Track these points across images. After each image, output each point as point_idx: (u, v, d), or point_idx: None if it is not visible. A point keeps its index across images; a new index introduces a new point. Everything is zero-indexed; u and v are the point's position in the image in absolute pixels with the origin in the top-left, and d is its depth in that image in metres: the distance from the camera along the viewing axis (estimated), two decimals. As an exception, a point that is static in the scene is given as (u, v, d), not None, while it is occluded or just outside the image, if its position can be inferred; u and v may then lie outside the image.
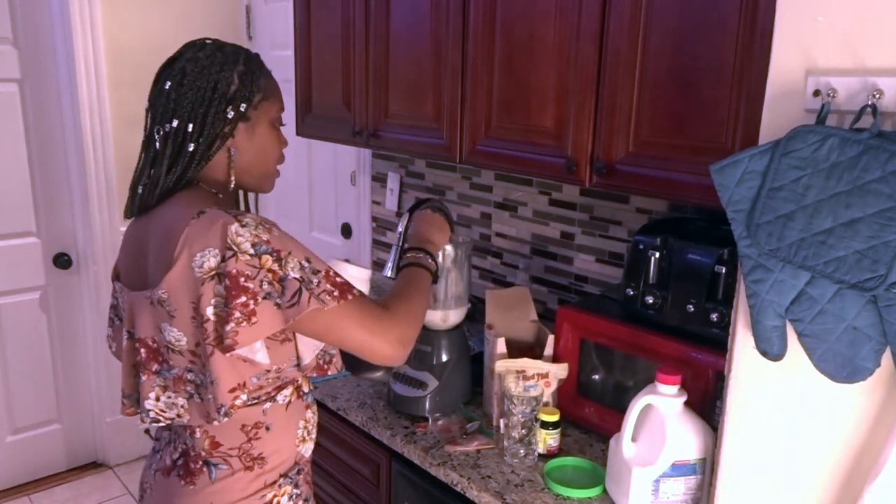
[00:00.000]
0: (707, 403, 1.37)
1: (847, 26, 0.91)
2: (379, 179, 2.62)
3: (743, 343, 1.05)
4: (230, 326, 1.07)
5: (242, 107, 1.18)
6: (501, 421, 1.54)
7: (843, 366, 0.93)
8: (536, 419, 1.51)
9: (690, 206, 1.67)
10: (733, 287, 1.18)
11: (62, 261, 2.91)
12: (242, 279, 1.06)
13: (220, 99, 1.17)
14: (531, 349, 1.70)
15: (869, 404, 0.96)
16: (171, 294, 1.12)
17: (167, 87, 1.17)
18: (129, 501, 2.92)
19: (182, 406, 1.18)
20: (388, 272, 1.99)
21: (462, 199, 2.31)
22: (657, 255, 1.48)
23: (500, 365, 1.58)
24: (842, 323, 0.92)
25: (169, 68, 1.19)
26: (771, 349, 0.98)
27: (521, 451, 1.50)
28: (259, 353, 1.13)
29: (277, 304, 1.08)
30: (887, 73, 0.88)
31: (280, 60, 2.84)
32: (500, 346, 1.62)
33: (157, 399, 1.20)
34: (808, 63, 0.95)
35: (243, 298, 1.06)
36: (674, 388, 1.28)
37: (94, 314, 2.99)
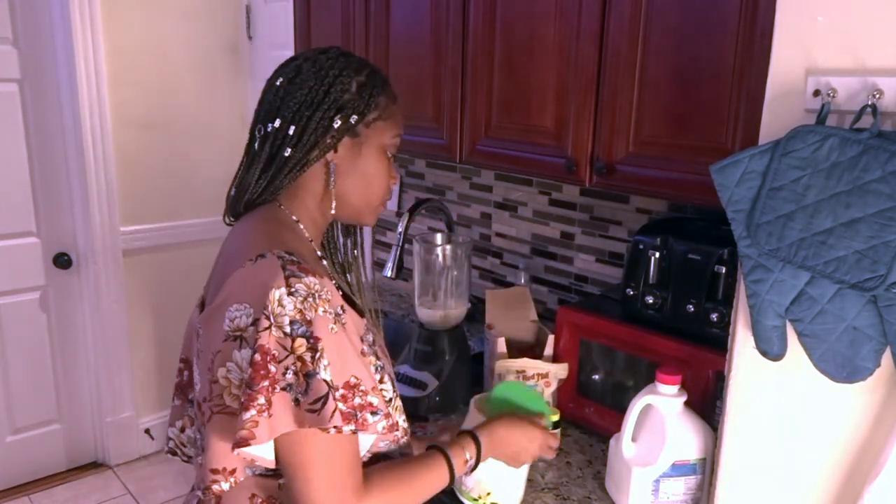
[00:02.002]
0: (707, 403, 1.37)
1: (847, 26, 0.91)
2: (379, 179, 2.62)
3: (743, 343, 1.05)
4: (249, 414, 0.87)
5: (353, 119, 1.05)
6: (501, 421, 1.54)
7: (843, 366, 0.93)
8: (536, 419, 1.50)
9: (690, 206, 1.67)
10: (733, 287, 1.18)
11: (62, 261, 2.91)
12: (269, 358, 0.89)
13: (330, 104, 1.04)
14: (531, 349, 1.70)
15: (869, 404, 0.96)
16: (203, 332, 0.99)
17: (278, 83, 1.07)
18: (129, 501, 2.92)
19: None
20: (388, 272, 2.00)
21: (462, 199, 2.31)
22: (657, 255, 1.48)
23: (500, 365, 1.58)
24: (842, 323, 0.92)
25: (285, 65, 1.10)
26: (771, 349, 0.98)
27: (521, 451, 1.50)
28: (265, 447, 0.93)
29: (297, 401, 0.90)
30: (887, 73, 0.88)
31: (280, 60, 2.84)
32: (500, 346, 1.61)
33: (182, 430, 1.10)
34: (808, 63, 0.95)
35: (266, 383, 0.88)
36: (674, 388, 1.28)
37: (94, 314, 2.98)
